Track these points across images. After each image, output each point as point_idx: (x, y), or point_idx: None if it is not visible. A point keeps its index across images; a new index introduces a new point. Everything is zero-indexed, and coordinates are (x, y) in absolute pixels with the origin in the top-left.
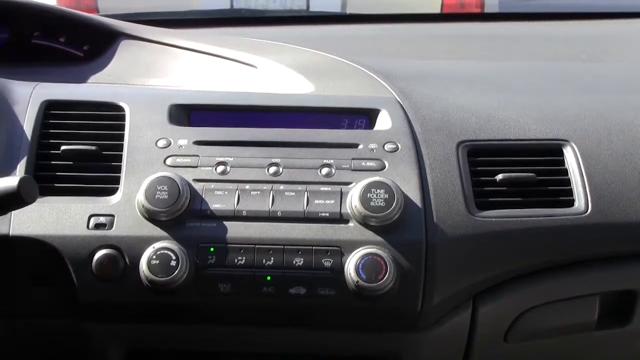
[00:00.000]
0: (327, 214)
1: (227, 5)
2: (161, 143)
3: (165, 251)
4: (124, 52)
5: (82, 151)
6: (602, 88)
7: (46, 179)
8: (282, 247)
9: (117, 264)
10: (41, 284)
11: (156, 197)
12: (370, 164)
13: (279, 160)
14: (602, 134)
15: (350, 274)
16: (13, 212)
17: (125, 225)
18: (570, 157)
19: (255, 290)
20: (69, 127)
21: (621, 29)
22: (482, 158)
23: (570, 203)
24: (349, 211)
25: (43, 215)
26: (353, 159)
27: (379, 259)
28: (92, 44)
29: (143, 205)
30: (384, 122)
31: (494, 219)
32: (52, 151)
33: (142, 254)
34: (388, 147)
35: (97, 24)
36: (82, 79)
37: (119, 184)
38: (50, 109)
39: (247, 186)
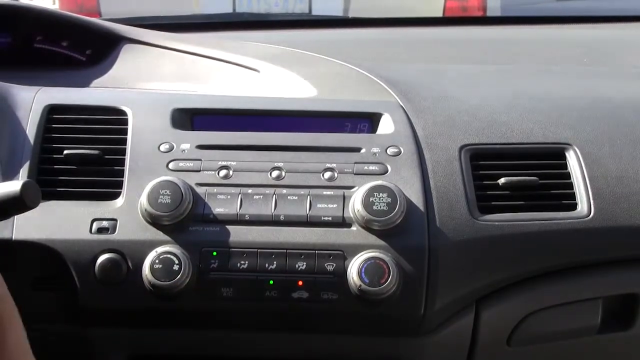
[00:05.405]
0: (330, 218)
1: (230, 9)
2: (164, 147)
3: (168, 255)
4: (127, 56)
5: (84, 155)
6: (604, 91)
7: (49, 184)
8: (285, 251)
9: (119, 268)
10: (43, 288)
11: (159, 201)
12: (372, 167)
13: (282, 164)
14: (604, 138)
15: (352, 278)
16: (16, 216)
17: (128, 229)
18: (573, 161)
19: (258, 294)
20: (72, 131)
21: (624, 33)
22: (485, 162)
23: (573, 207)
24: (352, 215)
25: (46, 220)
26: (356, 163)
27: (382, 263)
28: (95, 48)
29: (146, 210)
30: (386, 126)
31: (496, 223)
32: (54, 155)
33: (144, 258)
34: (390, 151)
35: (99, 28)
36: (84, 83)
37: (121, 188)
38: (52, 113)
39: (250, 190)
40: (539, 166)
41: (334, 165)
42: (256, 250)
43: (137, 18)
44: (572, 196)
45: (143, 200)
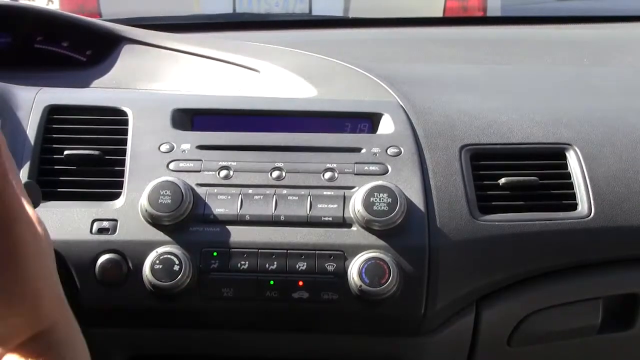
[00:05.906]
0: (330, 218)
1: (230, 9)
2: (164, 147)
3: (169, 256)
4: (127, 56)
5: (85, 156)
6: (605, 92)
7: (49, 184)
8: (285, 251)
9: (120, 269)
10: None
11: (159, 201)
12: (373, 168)
13: (282, 164)
14: (605, 138)
15: (353, 278)
16: None
17: (128, 229)
18: (573, 161)
19: (258, 295)
20: (72, 132)
21: (624, 33)
22: (485, 162)
23: (573, 207)
24: (352, 215)
25: (46, 220)
26: (356, 163)
27: (382, 263)
28: (95, 49)
29: (146, 210)
30: (386, 126)
31: (496, 223)
32: (55, 156)
33: (145, 259)
34: (391, 151)
35: (99, 29)
36: (85, 83)
37: (122, 188)
38: (53, 113)
39: (250, 190)
40: (539, 166)
41: (334, 165)
42: (256, 250)
43: (137, 18)
44: (573, 196)
45: (143, 200)
